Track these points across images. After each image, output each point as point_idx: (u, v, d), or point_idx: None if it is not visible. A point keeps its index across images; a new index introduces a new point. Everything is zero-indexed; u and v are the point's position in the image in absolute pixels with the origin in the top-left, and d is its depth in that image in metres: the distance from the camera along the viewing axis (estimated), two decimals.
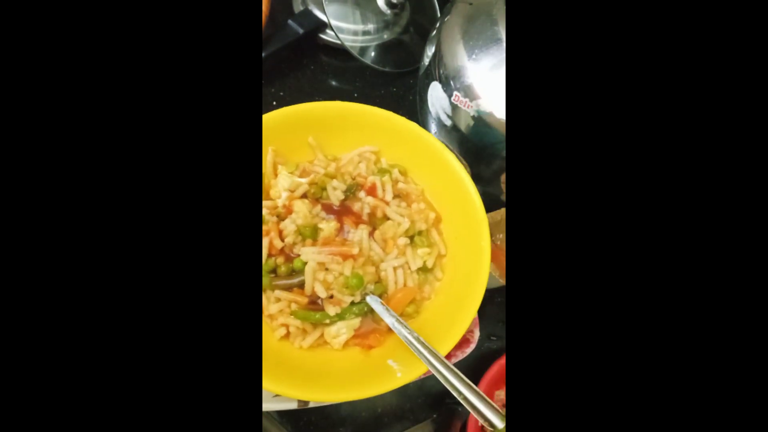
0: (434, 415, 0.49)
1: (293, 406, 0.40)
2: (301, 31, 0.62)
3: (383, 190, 0.46)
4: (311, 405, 0.41)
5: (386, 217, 0.45)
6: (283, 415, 0.47)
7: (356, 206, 0.45)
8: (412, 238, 0.44)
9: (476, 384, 0.43)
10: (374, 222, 0.44)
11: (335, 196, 0.44)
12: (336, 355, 0.40)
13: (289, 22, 0.63)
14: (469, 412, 0.45)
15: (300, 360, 0.40)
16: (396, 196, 0.46)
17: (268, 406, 0.41)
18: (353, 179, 0.46)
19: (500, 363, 0.46)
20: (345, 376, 0.38)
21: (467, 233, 0.43)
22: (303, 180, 0.45)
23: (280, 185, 0.45)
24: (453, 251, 0.45)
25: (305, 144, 0.48)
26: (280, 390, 0.35)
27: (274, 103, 0.63)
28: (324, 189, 0.45)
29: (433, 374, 0.35)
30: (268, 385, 0.35)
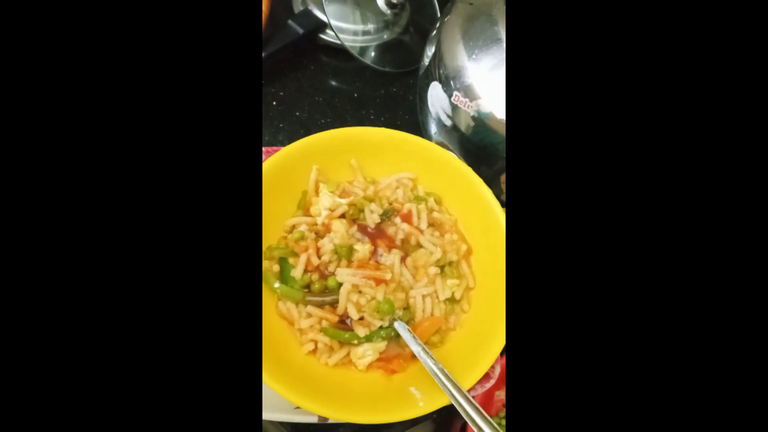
0: (434, 415, 0.49)
1: (313, 420, 0.41)
2: (301, 31, 0.63)
3: (418, 218, 0.47)
4: (330, 422, 0.42)
5: (419, 245, 0.46)
6: None
7: (390, 230, 0.46)
8: (442, 268, 0.45)
9: None
10: (407, 248, 0.46)
11: (372, 218, 0.46)
12: (359, 376, 0.42)
13: (289, 22, 0.63)
14: None
15: (324, 376, 0.41)
16: (430, 224, 0.47)
17: (288, 417, 0.42)
18: (390, 204, 0.48)
19: (500, 363, 0.46)
20: (367, 398, 0.39)
21: (495, 271, 0.44)
22: (343, 201, 0.46)
23: (321, 204, 0.46)
24: (480, 285, 0.46)
25: (347, 165, 0.50)
26: (304, 404, 0.37)
27: (274, 103, 0.63)
28: (361, 211, 0.46)
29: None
30: (292, 397, 0.37)
